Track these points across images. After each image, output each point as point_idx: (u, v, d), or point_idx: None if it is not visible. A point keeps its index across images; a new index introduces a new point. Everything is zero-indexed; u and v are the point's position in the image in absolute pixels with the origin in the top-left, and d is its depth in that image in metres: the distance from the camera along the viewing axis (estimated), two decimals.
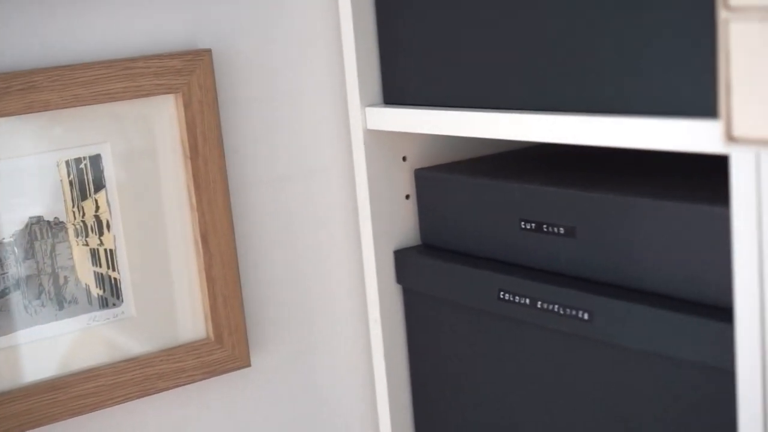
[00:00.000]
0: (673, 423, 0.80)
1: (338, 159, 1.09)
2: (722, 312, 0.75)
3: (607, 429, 0.86)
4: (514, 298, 0.92)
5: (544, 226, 0.92)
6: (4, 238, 0.90)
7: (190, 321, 0.99)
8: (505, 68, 0.88)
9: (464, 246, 1.01)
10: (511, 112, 0.88)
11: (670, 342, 0.78)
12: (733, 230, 0.70)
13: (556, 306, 0.88)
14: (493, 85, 0.90)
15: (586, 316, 0.85)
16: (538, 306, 0.90)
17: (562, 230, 0.90)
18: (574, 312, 0.86)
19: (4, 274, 0.90)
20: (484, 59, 0.90)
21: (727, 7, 0.62)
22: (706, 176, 0.86)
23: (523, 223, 0.94)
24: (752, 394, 0.71)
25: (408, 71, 1.00)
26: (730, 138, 0.63)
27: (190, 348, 0.99)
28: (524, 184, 0.93)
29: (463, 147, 1.10)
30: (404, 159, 1.07)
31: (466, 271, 0.97)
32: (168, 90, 0.96)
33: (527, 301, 0.91)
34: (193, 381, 0.99)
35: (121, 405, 0.96)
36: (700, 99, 0.71)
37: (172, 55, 0.95)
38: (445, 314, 1.02)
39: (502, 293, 0.93)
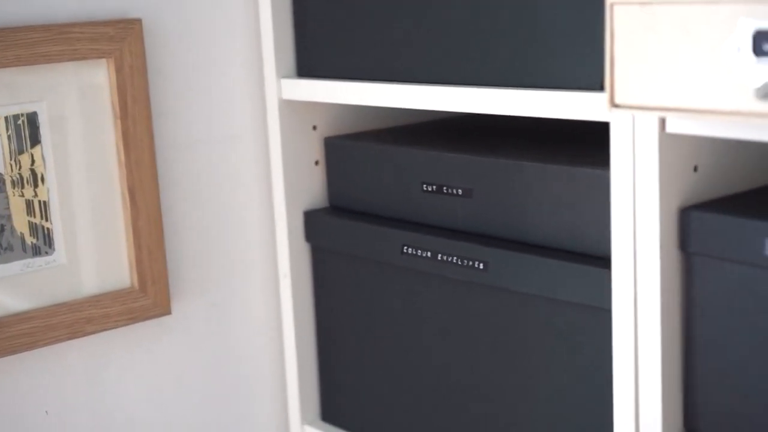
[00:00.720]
0: (559, 359, 0.92)
1: (254, 126, 1.18)
2: (599, 260, 0.88)
3: (501, 367, 0.98)
4: (416, 251, 1.03)
5: (444, 188, 1.02)
6: None
7: (117, 270, 1.07)
8: (410, 43, 0.98)
9: (370, 208, 1.11)
10: (415, 85, 0.98)
11: (557, 286, 0.90)
12: (612, 187, 0.82)
13: (455, 258, 0.99)
14: (399, 59, 1.00)
15: (481, 266, 0.96)
16: (439, 258, 1.01)
17: (460, 191, 1.01)
18: (471, 263, 0.97)
19: None
20: (390, 34, 1.00)
21: None
22: (587, 143, 0.99)
23: (424, 185, 1.04)
24: (625, 329, 0.83)
25: (321, 45, 1.10)
26: (614, 105, 0.75)
27: (116, 295, 1.06)
28: (426, 150, 1.04)
29: (370, 119, 1.20)
30: (314, 128, 1.17)
31: (372, 229, 1.08)
32: (101, 55, 1.03)
33: (428, 254, 1.01)
34: (117, 326, 1.07)
35: (51, 346, 1.03)
36: (588, 74, 0.83)
37: (106, 23, 1.03)
38: (350, 269, 1.12)
39: (405, 248, 1.04)
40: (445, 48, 0.96)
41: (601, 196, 0.87)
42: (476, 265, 0.97)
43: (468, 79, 0.94)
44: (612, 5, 0.73)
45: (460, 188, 1.01)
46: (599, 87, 0.82)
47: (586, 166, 0.89)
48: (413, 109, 1.13)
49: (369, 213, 1.11)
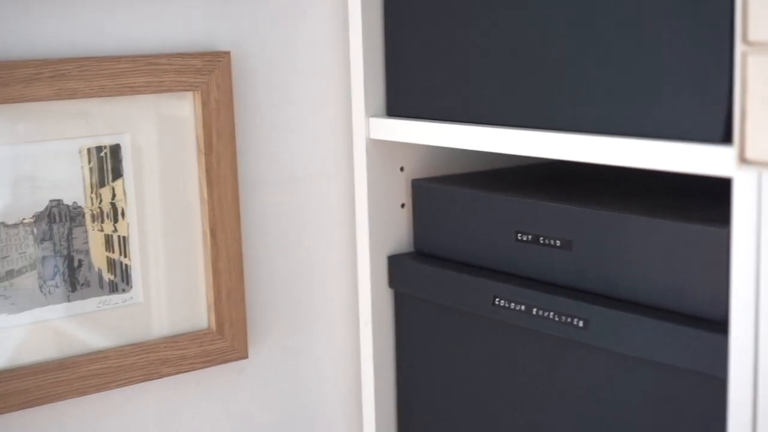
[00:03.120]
0: (662, 428, 0.86)
1: (339, 165, 1.13)
2: (712, 323, 0.81)
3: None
4: (509, 304, 0.97)
5: (541, 238, 0.97)
6: (24, 219, 0.93)
7: (194, 311, 1.03)
8: (507, 84, 0.93)
9: (458, 255, 1.06)
10: (511, 129, 0.93)
11: (664, 350, 0.84)
12: (733, 247, 0.76)
13: (552, 313, 0.93)
14: (495, 101, 0.95)
15: (581, 324, 0.91)
16: (534, 312, 0.95)
17: (558, 243, 0.95)
18: (569, 319, 0.92)
19: (22, 253, 0.93)
20: (487, 76, 0.95)
21: (746, 42, 0.68)
22: (694, 196, 0.93)
23: (519, 235, 0.99)
24: (743, 401, 0.76)
25: (411, 84, 1.05)
26: (743, 160, 0.69)
27: (193, 337, 1.02)
28: (522, 198, 0.98)
29: (460, 161, 1.15)
30: (401, 169, 1.12)
31: (461, 278, 1.02)
32: (188, 87, 0.99)
33: (523, 307, 0.96)
34: (194, 369, 1.02)
35: (123, 388, 0.99)
36: (709, 125, 0.77)
37: (193, 55, 0.99)
38: (435, 318, 1.07)
39: (497, 299, 0.98)
40: (545, 90, 0.90)
41: (717, 256, 0.81)
42: (575, 322, 0.91)
43: (571, 124, 0.89)
44: (745, 55, 0.68)
45: (558, 239, 0.95)
46: (719, 139, 0.76)
47: (702, 223, 0.83)
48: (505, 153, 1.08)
49: (457, 260, 1.06)
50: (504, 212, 1.00)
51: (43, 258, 0.94)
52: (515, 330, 0.98)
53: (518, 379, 0.98)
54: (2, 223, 0.91)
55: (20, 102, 0.90)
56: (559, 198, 0.97)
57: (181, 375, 1.03)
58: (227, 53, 1.01)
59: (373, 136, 1.09)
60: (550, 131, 0.90)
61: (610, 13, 0.84)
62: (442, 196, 1.07)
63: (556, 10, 0.88)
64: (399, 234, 1.12)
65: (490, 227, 1.01)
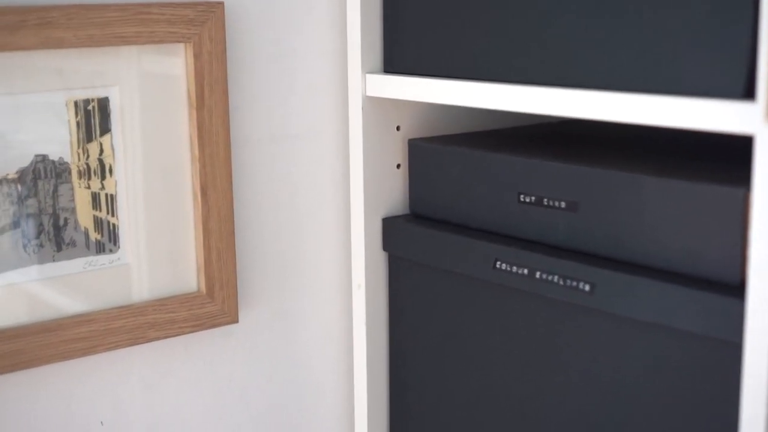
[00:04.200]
0: (672, 395, 0.83)
1: (334, 123, 1.10)
2: (726, 287, 0.79)
3: (603, 400, 0.89)
4: (511, 267, 0.94)
5: (545, 200, 0.94)
6: (8, 174, 0.88)
7: (184, 272, 0.99)
8: (513, 38, 0.90)
9: (455, 217, 1.03)
10: (517, 85, 0.89)
11: (675, 314, 0.81)
12: (754, 208, 0.73)
13: (556, 277, 0.90)
14: (499, 56, 0.92)
15: (587, 288, 0.88)
16: (537, 276, 0.92)
17: (563, 204, 0.92)
18: (574, 283, 0.89)
19: (5, 210, 0.88)
20: (491, 29, 0.92)
21: None
22: (715, 158, 0.90)
23: (521, 196, 0.96)
24: (759, 367, 0.74)
25: (410, 39, 1.01)
26: None
27: (183, 300, 0.98)
28: (524, 158, 0.95)
29: (459, 121, 1.12)
30: (398, 128, 1.09)
31: (460, 240, 0.99)
32: (179, 39, 0.95)
33: (525, 271, 0.93)
34: (182, 333, 0.99)
35: (110, 352, 0.95)
36: (729, 79, 0.74)
37: (185, 4, 0.95)
38: (432, 282, 1.04)
39: (498, 263, 0.95)
40: (554, 43, 0.87)
41: (733, 217, 0.78)
42: (581, 286, 0.88)
43: (581, 80, 0.85)
44: None
45: (563, 200, 0.92)
46: (741, 95, 0.73)
47: (718, 183, 0.80)
48: (509, 112, 1.04)
49: (455, 223, 1.03)
50: (506, 173, 0.96)
51: (28, 216, 0.90)
52: (517, 294, 0.95)
53: (519, 345, 0.96)
54: None
55: (3, 51, 0.85)
56: (565, 158, 0.93)
57: (169, 339, 0.99)
58: (221, 3, 0.97)
59: (369, 93, 1.05)
60: (558, 87, 0.86)
61: None
62: (440, 156, 1.04)
63: None
64: (394, 195, 1.09)
65: (491, 188, 0.98)
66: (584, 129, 1.11)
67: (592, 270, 0.87)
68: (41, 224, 0.90)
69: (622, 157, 0.93)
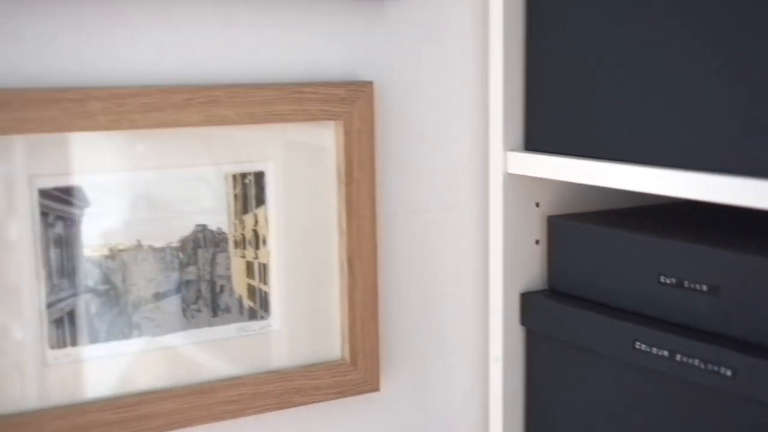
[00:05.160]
0: None
1: (475, 198, 1.13)
2: None
3: None
4: (651, 348, 0.95)
5: (686, 282, 0.94)
6: (171, 242, 0.94)
7: (329, 340, 1.03)
8: (652, 123, 0.91)
9: (594, 294, 1.04)
10: (654, 168, 0.91)
11: None
12: None
13: (697, 360, 0.90)
14: (638, 140, 0.93)
15: (729, 373, 0.88)
16: (677, 359, 0.92)
17: (704, 288, 0.93)
18: (716, 367, 0.89)
19: (168, 276, 0.94)
20: (629, 113, 0.94)
21: None
22: None
23: (662, 277, 0.96)
24: None
25: (551, 119, 1.04)
26: None
27: (328, 367, 1.02)
28: (665, 239, 0.96)
29: (597, 198, 1.14)
30: (537, 205, 1.11)
31: (600, 319, 1.00)
32: (331, 117, 1.00)
33: (665, 353, 0.93)
34: (326, 399, 1.02)
35: (257, 415, 0.99)
36: None
37: (337, 84, 1.00)
38: (569, 359, 1.05)
39: (637, 343, 0.96)
40: (690, 128, 0.88)
41: None
42: (722, 371, 0.88)
43: (717, 165, 0.86)
44: None
45: (704, 284, 0.92)
46: None
47: None
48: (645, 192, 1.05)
49: (593, 300, 1.04)
50: (646, 253, 0.98)
51: (187, 282, 0.95)
52: (656, 376, 0.95)
53: (658, 428, 0.96)
54: (150, 246, 0.93)
55: (172, 127, 0.91)
56: (705, 240, 0.94)
57: (313, 404, 1.03)
58: (370, 83, 1.02)
59: (510, 170, 1.08)
60: (694, 171, 0.87)
61: (759, 50, 0.81)
62: (580, 233, 1.05)
63: (702, 48, 0.86)
64: (532, 271, 1.11)
65: (631, 268, 0.99)
66: (719, 209, 1.11)
67: (734, 355, 0.87)
68: (199, 290, 0.95)
69: (763, 241, 0.93)
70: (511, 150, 1.08)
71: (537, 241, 1.11)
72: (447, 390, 1.13)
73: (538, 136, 1.06)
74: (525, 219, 1.10)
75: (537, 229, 1.11)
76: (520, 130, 1.08)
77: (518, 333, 1.11)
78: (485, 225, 1.13)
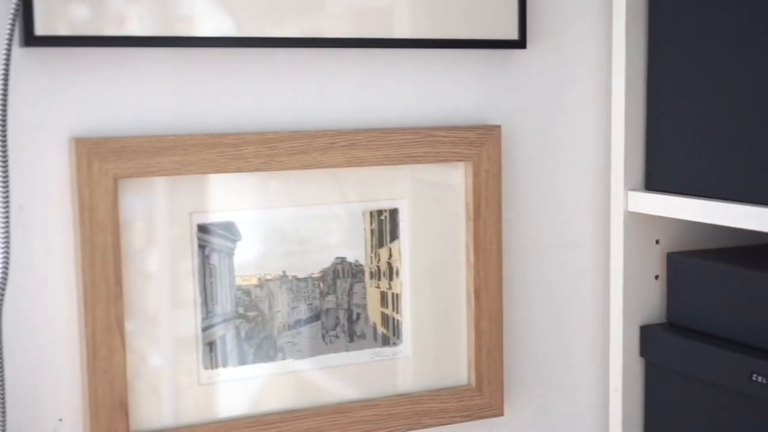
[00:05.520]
0: None
1: (596, 235, 1.18)
2: None
3: None
4: (767, 380, 0.99)
5: None
6: (313, 274, 1.02)
7: (456, 367, 1.10)
8: None
9: (712, 329, 1.08)
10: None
11: None
12: None
13: None
14: (757, 180, 0.98)
15: None
16: None
17: None
18: None
19: (310, 304, 1.02)
20: (749, 153, 0.98)
21: None
22: None
23: None
24: None
25: (671, 160, 1.09)
26: None
27: (455, 392, 1.09)
28: None
29: (715, 236, 1.18)
30: (657, 242, 1.16)
31: (716, 351, 1.05)
32: (461, 158, 1.07)
33: None
34: (453, 422, 1.09)
35: None
36: None
37: (468, 128, 1.07)
38: (687, 391, 1.09)
39: (754, 375, 1.00)
40: None
41: None
42: None
43: None
44: None
45: None
46: None
47: None
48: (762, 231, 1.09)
49: (710, 334, 1.08)
50: (762, 289, 1.02)
51: (327, 310, 1.03)
52: None
53: None
54: (294, 276, 1.01)
55: (316, 168, 1.00)
56: None
57: (441, 427, 1.09)
58: (498, 127, 1.09)
59: (630, 208, 1.13)
60: None
61: None
62: (698, 269, 1.10)
63: None
64: (652, 305, 1.16)
65: (747, 303, 1.03)
66: None
67: None
68: (338, 317, 1.04)
69: None
70: (632, 189, 1.13)
71: (656, 277, 1.16)
72: (567, 417, 1.18)
73: (658, 175, 1.12)
74: (645, 255, 1.15)
75: (656, 265, 1.16)
76: (640, 170, 1.14)
77: (638, 364, 1.16)
78: (606, 261, 1.19)
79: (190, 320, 0.97)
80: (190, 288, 0.97)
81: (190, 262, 0.97)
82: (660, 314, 1.16)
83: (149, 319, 0.96)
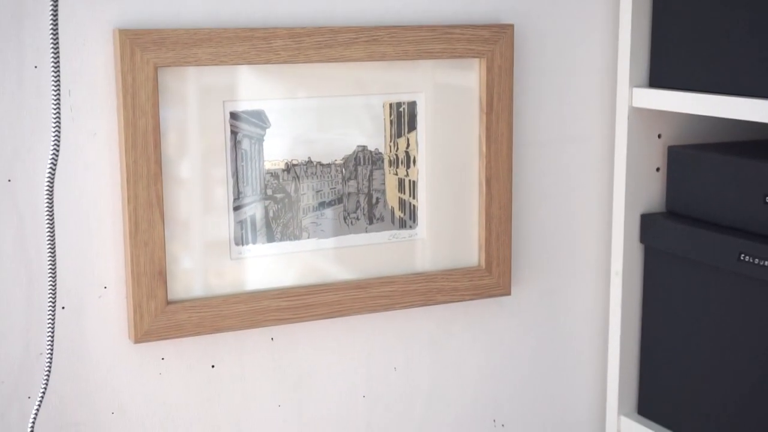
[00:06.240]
0: None
1: (601, 130, 1.26)
2: None
3: None
4: (753, 260, 1.07)
5: None
6: (336, 160, 1.11)
7: (467, 249, 1.19)
8: None
9: (706, 216, 1.16)
10: None
11: None
12: None
13: None
14: (760, 74, 1.05)
15: None
16: None
17: None
18: None
19: (333, 188, 1.11)
20: (752, 48, 1.05)
21: None
22: None
23: (767, 198, 1.08)
24: None
25: (675, 56, 1.16)
26: None
27: (466, 272, 1.18)
28: None
29: (715, 131, 1.25)
30: (659, 136, 1.23)
31: (709, 235, 1.13)
32: (475, 54, 1.14)
33: (766, 263, 1.05)
34: (463, 299, 1.18)
35: (406, 310, 1.16)
36: None
37: (482, 26, 1.14)
38: (683, 272, 1.18)
39: (742, 255, 1.08)
40: None
41: None
42: None
43: None
44: None
45: None
46: None
47: None
48: (763, 124, 1.16)
49: (705, 220, 1.16)
50: (754, 177, 1.09)
51: (348, 194, 1.12)
52: (759, 284, 1.07)
53: (761, 329, 1.08)
54: (318, 162, 1.10)
55: (340, 61, 1.08)
56: None
57: (452, 303, 1.19)
58: (511, 26, 1.16)
59: (635, 104, 1.20)
60: None
61: None
62: (697, 161, 1.18)
63: None
64: (652, 195, 1.24)
65: (740, 191, 1.11)
66: None
67: None
68: (358, 201, 1.12)
69: None
70: (637, 86, 1.20)
71: (657, 169, 1.24)
72: (570, 298, 1.28)
73: (662, 73, 1.18)
74: (647, 148, 1.23)
75: (658, 158, 1.23)
76: (645, 68, 1.21)
77: (637, 250, 1.24)
78: (610, 154, 1.26)
79: (223, 199, 1.06)
80: (223, 170, 1.06)
81: (222, 146, 1.05)
82: (660, 204, 1.24)
83: (186, 196, 1.04)
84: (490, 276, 1.19)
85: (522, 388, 1.27)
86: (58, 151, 0.95)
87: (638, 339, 1.26)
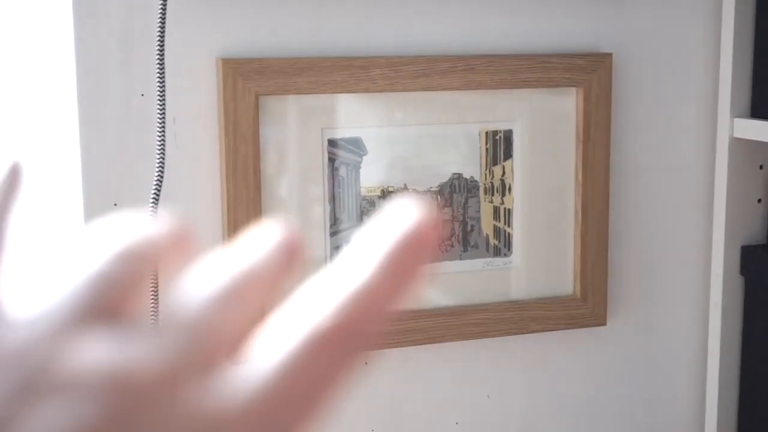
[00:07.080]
0: None
1: (701, 160, 1.24)
2: None
3: None
4: None
5: None
6: (431, 187, 1.12)
7: (562, 278, 1.18)
8: None
9: None
10: None
11: None
12: None
13: None
14: None
15: None
16: None
17: None
18: None
19: None
20: None
21: None
22: None
23: None
24: None
25: None
26: None
27: (560, 301, 1.17)
28: None
29: None
30: (761, 167, 1.21)
31: None
32: (573, 84, 1.14)
33: None
34: (558, 329, 1.18)
35: (499, 338, 1.16)
36: None
37: (580, 56, 1.14)
38: None
39: None
40: None
41: None
42: None
43: None
44: None
45: None
46: None
47: None
48: None
49: None
50: None
51: (443, 221, 1.13)
52: None
53: None
54: (414, 189, 1.11)
55: (437, 90, 1.09)
56: None
57: (546, 333, 1.18)
58: (609, 55, 1.15)
59: (736, 134, 1.19)
60: None
61: None
62: None
63: None
64: (753, 227, 1.22)
65: None
66: None
67: None
68: (453, 229, 1.13)
69: None
70: (738, 116, 1.19)
71: (759, 200, 1.22)
72: (668, 330, 1.26)
73: (764, 103, 1.17)
74: (748, 179, 1.21)
75: (760, 189, 1.21)
76: (746, 98, 1.19)
77: (737, 282, 1.22)
78: (710, 184, 1.25)
79: (320, 225, 1.08)
80: (320, 196, 1.08)
81: (321, 173, 1.07)
82: (761, 236, 1.22)
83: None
84: (585, 306, 1.18)
85: (617, 421, 1.26)
86: (162, 176, 0.98)
87: (738, 373, 1.24)
